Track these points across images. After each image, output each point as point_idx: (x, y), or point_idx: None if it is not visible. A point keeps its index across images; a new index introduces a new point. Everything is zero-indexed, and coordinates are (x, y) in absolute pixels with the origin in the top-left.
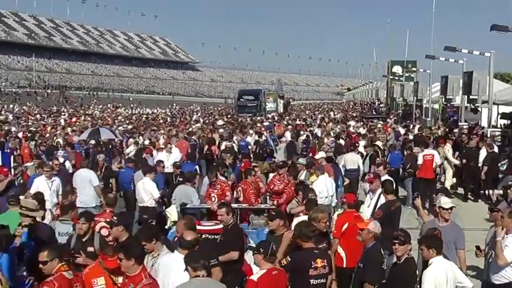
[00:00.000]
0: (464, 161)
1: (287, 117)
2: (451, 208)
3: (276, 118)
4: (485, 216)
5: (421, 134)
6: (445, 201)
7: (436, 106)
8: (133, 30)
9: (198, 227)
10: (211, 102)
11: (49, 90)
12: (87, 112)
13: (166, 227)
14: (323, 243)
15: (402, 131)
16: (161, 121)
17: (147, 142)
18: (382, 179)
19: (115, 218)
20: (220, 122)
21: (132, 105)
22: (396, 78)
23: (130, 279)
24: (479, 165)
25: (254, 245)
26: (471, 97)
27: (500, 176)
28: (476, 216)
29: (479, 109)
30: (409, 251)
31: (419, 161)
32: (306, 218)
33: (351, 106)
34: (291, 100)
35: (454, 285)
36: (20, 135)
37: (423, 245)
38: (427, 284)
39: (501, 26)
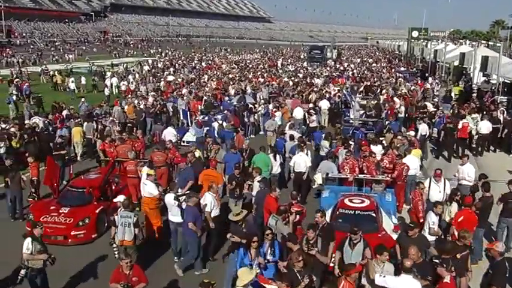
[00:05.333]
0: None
1: (344, 65)
2: None
3: (336, 66)
4: (506, 166)
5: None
6: None
7: (447, 65)
8: None
9: (349, 204)
10: (281, 44)
11: (179, 38)
12: (205, 55)
13: (313, 187)
14: (464, 252)
15: (428, 85)
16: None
17: (271, 106)
18: (482, 180)
19: None
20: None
21: (229, 48)
22: (414, 40)
23: None
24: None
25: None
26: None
27: None
28: (499, 165)
29: (491, 81)
30: None
31: (459, 126)
32: None
33: (376, 51)
34: (341, 50)
35: None
36: (184, 91)
37: None
38: None
39: None
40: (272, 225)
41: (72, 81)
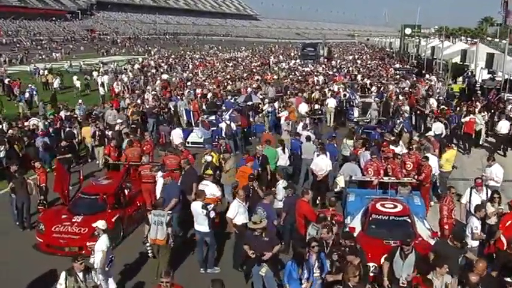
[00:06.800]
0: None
1: (337, 63)
2: None
3: (331, 64)
4: None
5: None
6: None
7: (444, 62)
8: None
9: (382, 209)
10: (269, 41)
11: (167, 36)
12: (195, 53)
13: (335, 190)
14: None
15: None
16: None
17: (276, 105)
18: None
19: None
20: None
21: (220, 46)
22: (408, 37)
23: None
24: None
25: None
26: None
27: None
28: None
29: (496, 78)
30: None
31: (466, 119)
32: None
33: (366, 48)
34: (332, 48)
35: None
36: (190, 93)
37: None
38: None
39: None
40: (313, 235)
41: (77, 79)
